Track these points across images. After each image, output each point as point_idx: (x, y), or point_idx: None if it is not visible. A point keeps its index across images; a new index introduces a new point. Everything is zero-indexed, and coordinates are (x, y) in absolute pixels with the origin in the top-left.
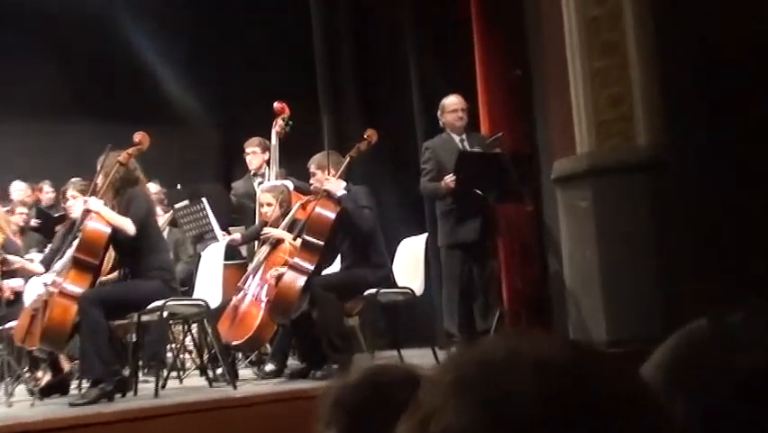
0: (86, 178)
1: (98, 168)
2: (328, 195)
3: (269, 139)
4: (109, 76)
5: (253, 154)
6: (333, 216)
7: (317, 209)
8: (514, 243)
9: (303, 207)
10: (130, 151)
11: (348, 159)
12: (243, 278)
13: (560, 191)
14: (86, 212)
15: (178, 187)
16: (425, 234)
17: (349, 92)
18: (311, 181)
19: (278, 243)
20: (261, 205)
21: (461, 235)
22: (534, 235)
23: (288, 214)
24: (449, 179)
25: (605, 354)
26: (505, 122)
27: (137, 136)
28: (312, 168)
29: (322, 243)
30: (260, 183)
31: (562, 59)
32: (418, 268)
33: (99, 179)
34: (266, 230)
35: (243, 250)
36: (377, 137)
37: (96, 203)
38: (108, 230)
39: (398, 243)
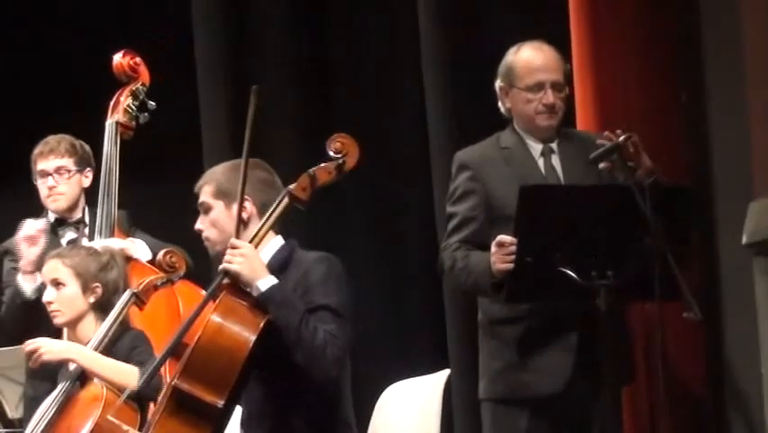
0: None
1: None
2: (233, 283)
3: (99, 142)
4: None
5: (58, 175)
6: (250, 340)
7: (214, 320)
8: (655, 394)
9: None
10: None
11: (286, 199)
12: None
13: (762, 274)
14: None
15: None
16: (445, 374)
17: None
18: (199, 225)
19: (84, 385)
20: (43, 285)
21: (532, 379)
22: (705, 378)
23: (112, 312)
24: (500, 248)
25: None
26: (636, 111)
27: None
28: (204, 195)
29: (220, 403)
30: (71, 241)
31: None
32: None
33: None
34: (44, 349)
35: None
36: (357, 155)
37: None
38: None
39: (378, 392)
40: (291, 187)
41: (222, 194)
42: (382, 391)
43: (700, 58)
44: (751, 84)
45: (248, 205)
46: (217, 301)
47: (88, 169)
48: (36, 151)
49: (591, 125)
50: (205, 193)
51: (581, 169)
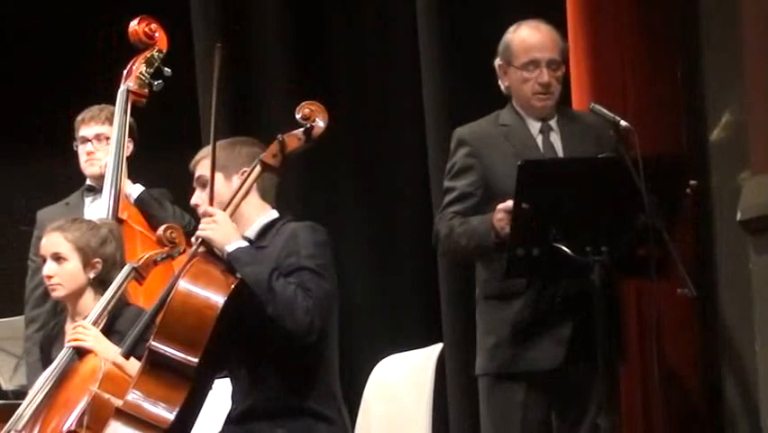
0: None
1: None
2: (208, 250)
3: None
4: None
5: (97, 141)
6: (220, 299)
7: (183, 284)
8: (648, 372)
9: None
10: None
11: (258, 166)
12: None
13: (757, 252)
14: None
15: None
16: (438, 347)
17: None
18: (196, 200)
19: (82, 358)
20: (42, 258)
21: (528, 354)
22: (699, 355)
23: (111, 287)
24: (501, 213)
25: None
26: (632, 88)
27: None
28: (202, 169)
29: (194, 361)
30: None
31: None
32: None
33: None
34: None
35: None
36: (325, 121)
37: None
38: None
39: (369, 366)
40: (262, 154)
41: (221, 167)
42: (374, 365)
43: (697, 33)
44: (748, 59)
45: (225, 182)
46: (188, 267)
47: (129, 139)
48: (79, 118)
49: (586, 99)
50: (204, 167)
51: (580, 147)
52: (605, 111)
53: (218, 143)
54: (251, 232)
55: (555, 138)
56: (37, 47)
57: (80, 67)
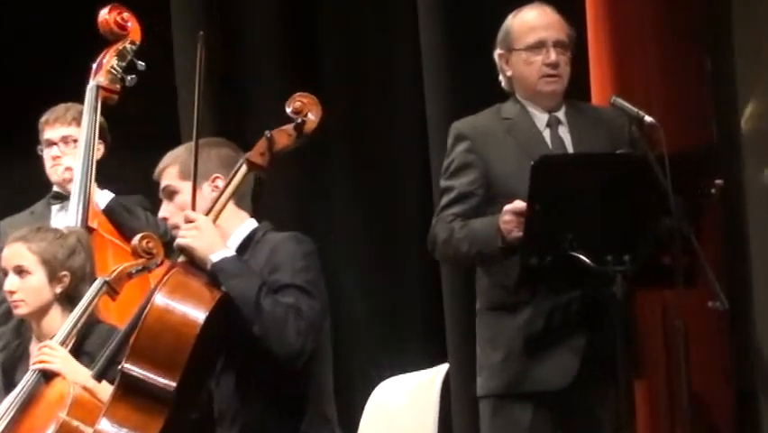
0: None
1: None
2: (189, 260)
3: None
4: None
5: (64, 144)
6: (200, 316)
7: (160, 299)
8: (675, 391)
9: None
10: None
11: (243, 166)
12: None
13: None
14: None
15: None
16: (443, 369)
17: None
18: (163, 213)
19: (49, 381)
20: (3, 272)
21: (536, 372)
22: (731, 373)
23: (81, 303)
24: (508, 215)
25: None
26: (655, 72)
27: None
28: (168, 178)
29: (172, 385)
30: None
31: None
32: None
33: None
34: None
35: None
36: (318, 115)
37: None
38: None
39: (369, 389)
40: (248, 153)
41: (187, 174)
42: (373, 388)
43: (726, 15)
44: None
45: (220, 183)
46: (165, 279)
47: (99, 141)
48: (42, 119)
49: (607, 89)
50: (169, 176)
51: (592, 142)
52: (627, 105)
53: (185, 147)
54: (231, 244)
55: (564, 132)
56: (37, 47)
57: (78, 67)
